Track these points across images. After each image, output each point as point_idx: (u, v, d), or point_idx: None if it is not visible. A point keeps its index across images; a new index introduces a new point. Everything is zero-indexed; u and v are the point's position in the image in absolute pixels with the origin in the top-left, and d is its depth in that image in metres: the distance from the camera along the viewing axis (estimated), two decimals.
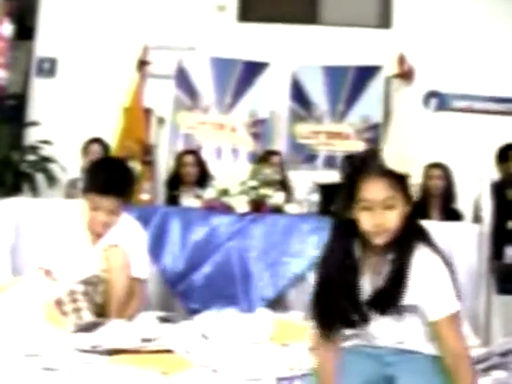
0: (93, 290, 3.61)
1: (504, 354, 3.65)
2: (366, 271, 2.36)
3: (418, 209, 5.42)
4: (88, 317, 3.47)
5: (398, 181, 2.27)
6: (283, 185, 5.37)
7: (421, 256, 2.31)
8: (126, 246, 3.68)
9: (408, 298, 2.30)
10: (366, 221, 2.27)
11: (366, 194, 2.26)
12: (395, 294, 2.28)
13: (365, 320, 2.35)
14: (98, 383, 2.58)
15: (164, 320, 3.98)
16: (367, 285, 2.35)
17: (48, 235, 3.80)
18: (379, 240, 2.28)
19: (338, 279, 2.33)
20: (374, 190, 2.25)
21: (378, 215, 2.25)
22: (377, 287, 2.32)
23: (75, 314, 3.47)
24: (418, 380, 2.32)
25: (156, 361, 2.87)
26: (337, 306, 2.34)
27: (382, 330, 2.39)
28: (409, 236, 2.31)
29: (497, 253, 4.59)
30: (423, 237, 2.36)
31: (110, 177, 3.70)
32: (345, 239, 2.37)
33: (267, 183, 4.87)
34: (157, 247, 4.60)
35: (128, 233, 3.76)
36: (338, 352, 2.42)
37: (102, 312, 3.60)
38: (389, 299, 2.29)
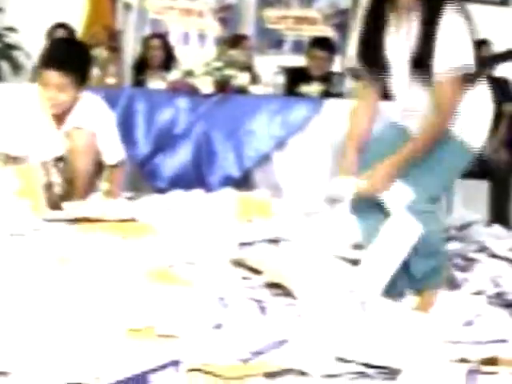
0: (64, 167, 3.64)
1: (461, 228, 3.81)
2: (395, 30, 2.49)
3: None
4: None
5: None
6: (249, 69, 5.36)
7: (449, 18, 2.38)
8: (92, 127, 3.65)
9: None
10: None
11: None
12: (424, 52, 2.39)
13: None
14: (62, 247, 2.66)
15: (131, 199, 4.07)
16: (397, 43, 2.48)
17: (12, 120, 3.76)
18: None
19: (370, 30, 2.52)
20: None
21: None
22: (408, 46, 2.44)
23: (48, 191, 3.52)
24: None
25: (119, 227, 2.95)
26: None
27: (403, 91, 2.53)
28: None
29: None
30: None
31: (59, 51, 3.66)
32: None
33: (232, 64, 4.87)
34: (123, 129, 4.61)
35: (94, 114, 3.69)
36: (374, 108, 2.67)
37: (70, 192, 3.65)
38: (418, 58, 2.41)
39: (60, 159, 3.64)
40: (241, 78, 4.80)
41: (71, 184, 3.63)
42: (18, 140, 3.62)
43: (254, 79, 5.16)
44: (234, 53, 5.09)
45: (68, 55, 3.61)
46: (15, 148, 3.63)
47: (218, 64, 4.79)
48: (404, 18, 2.46)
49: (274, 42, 7.14)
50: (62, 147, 3.64)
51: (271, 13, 7.18)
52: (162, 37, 6.34)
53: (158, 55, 5.94)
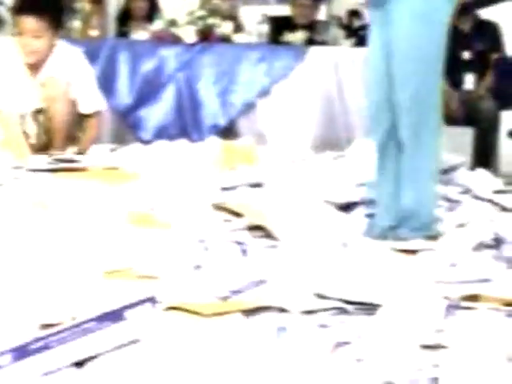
0: (42, 118, 3.61)
1: (446, 171, 3.81)
2: None
3: None
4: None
5: None
6: (233, 18, 5.30)
7: None
8: (67, 76, 3.61)
9: None
10: None
11: None
12: None
13: None
14: (43, 193, 2.65)
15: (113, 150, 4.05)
16: None
17: None
18: None
19: None
20: None
21: None
22: None
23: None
24: None
25: (101, 174, 2.94)
26: None
27: None
28: None
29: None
30: None
31: None
32: None
33: (216, 13, 4.82)
34: (106, 80, 4.58)
35: (69, 64, 3.65)
36: None
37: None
38: None
39: (40, 111, 3.61)
40: (224, 27, 4.76)
41: (49, 135, 3.61)
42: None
43: (238, 28, 5.09)
44: (218, 2, 5.03)
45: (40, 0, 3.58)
46: None
47: (202, 13, 4.74)
48: None
49: None
50: (37, 97, 3.60)
51: None
52: None
53: (141, 6, 5.84)
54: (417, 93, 2.47)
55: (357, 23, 6.52)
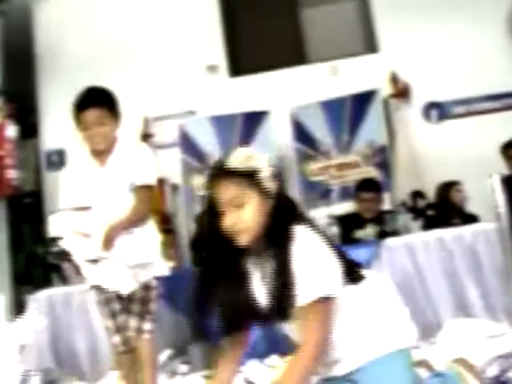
0: None
1: None
2: (257, 277, 2.25)
3: (440, 218, 5.51)
4: None
5: (246, 178, 2.18)
6: None
7: (299, 243, 2.13)
8: (131, 157, 3.71)
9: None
10: (222, 223, 2.18)
11: (213, 196, 2.19)
12: (285, 296, 2.11)
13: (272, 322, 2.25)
14: None
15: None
16: (262, 291, 2.22)
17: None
18: (242, 240, 2.18)
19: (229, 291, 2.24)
20: (219, 191, 2.18)
21: (230, 216, 2.16)
22: (269, 291, 2.16)
23: None
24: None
25: None
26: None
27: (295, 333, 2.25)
28: (278, 232, 2.15)
29: None
30: (299, 221, 2.20)
31: (88, 93, 3.76)
32: (225, 255, 2.24)
33: None
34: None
35: (132, 148, 3.79)
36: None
37: None
38: (281, 303, 2.11)
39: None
40: None
41: None
42: (79, 193, 3.72)
43: None
44: None
45: (96, 94, 3.77)
46: (79, 200, 3.71)
47: None
48: (258, 261, 2.24)
49: (322, 192, 7.20)
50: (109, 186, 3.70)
51: (312, 165, 7.31)
52: None
53: None
54: None
55: (421, 203, 6.60)
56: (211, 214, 2.21)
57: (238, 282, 2.25)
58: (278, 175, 2.24)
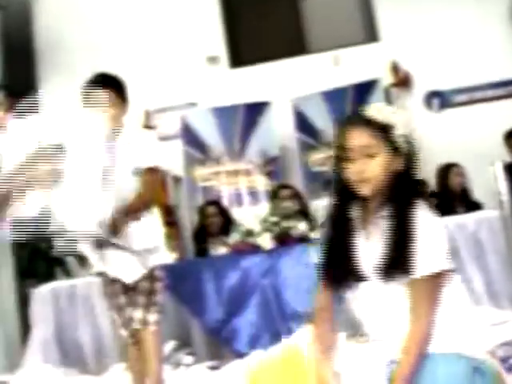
0: None
1: None
2: (365, 233, 2.25)
3: (443, 205, 5.50)
4: None
5: (381, 130, 2.19)
6: (305, 215, 5.40)
7: (423, 217, 2.15)
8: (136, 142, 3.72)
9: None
10: (348, 170, 2.20)
11: (345, 142, 2.20)
12: (400, 256, 2.12)
13: (358, 280, 2.22)
14: None
15: (214, 368, 4.06)
16: (368, 246, 2.22)
17: None
18: (364, 190, 2.19)
19: (336, 241, 2.25)
20: (353, 137, 2.20)
21: (359, 163, 2.18)
22: (381, 250, 2.16)
23: None
24: None
25: None
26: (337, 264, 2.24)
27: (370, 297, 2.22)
28: (402, 192, 2.19)
29: None
30: (420, 194, 2.23)
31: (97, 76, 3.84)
32: (341, 202, 2.26)
33: (288, 216, 4.94)
34: (194, 299, 4.68)
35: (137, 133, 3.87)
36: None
37: None
38: (394, 263, 2.12)
39: None
40: (300, 227, 4.85)
41: None
42: None
43: (312, 224, 5.18)
44: (287, 204, 5.17)
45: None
46: None
47: (275, 218, 4.86)
48: (371, 219, 2.24)
49: (324, 182, 7.17)
50: None
51: (315, 155, 7.30)
52: (217, 203, 6.44)
53: (215, 221, 6.02)
54: None
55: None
56: (339, 160, 2.24)
57: (347, 231, 2.25)
58: (411, 143, 2.23)
